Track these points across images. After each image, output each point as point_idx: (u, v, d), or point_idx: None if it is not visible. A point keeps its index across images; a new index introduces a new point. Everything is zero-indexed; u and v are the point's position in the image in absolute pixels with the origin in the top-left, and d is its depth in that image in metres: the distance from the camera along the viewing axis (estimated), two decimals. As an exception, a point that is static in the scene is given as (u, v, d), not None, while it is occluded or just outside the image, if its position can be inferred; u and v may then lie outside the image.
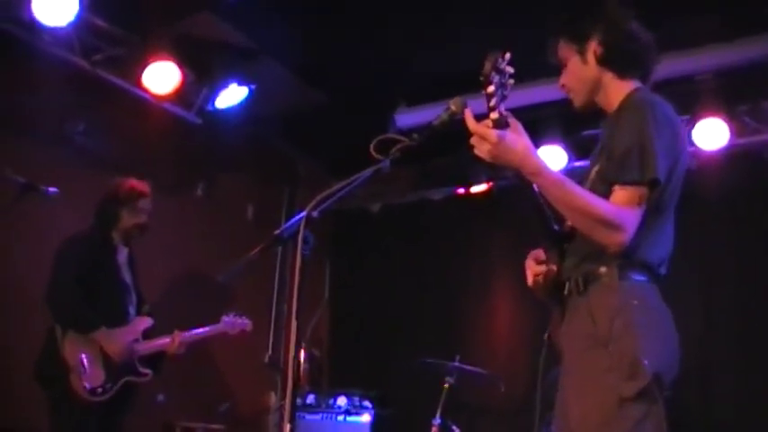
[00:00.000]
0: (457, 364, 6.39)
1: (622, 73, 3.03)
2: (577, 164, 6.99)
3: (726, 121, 6.59)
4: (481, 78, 2.64)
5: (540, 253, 3.09)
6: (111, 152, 6.59)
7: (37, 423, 5.09)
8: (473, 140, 2.73)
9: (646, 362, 2.64)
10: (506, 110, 2.71)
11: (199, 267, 6.38)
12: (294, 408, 2.67)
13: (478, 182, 7.93)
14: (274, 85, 7.01)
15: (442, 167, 8.07)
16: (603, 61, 3.01)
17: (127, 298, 5.37)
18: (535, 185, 2.77)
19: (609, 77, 3.02)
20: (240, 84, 6.75)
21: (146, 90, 6.38)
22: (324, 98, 7.28)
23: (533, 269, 3.08)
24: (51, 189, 4.68)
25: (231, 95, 6.81)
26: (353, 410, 7.05)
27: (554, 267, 2.99)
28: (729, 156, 6.78)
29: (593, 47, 3.01)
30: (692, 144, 6.73)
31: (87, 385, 4.90)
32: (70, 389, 4.88)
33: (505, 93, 2.67)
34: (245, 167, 8.01)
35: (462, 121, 2.75)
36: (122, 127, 6.60)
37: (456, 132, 2.79)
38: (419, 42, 6.32)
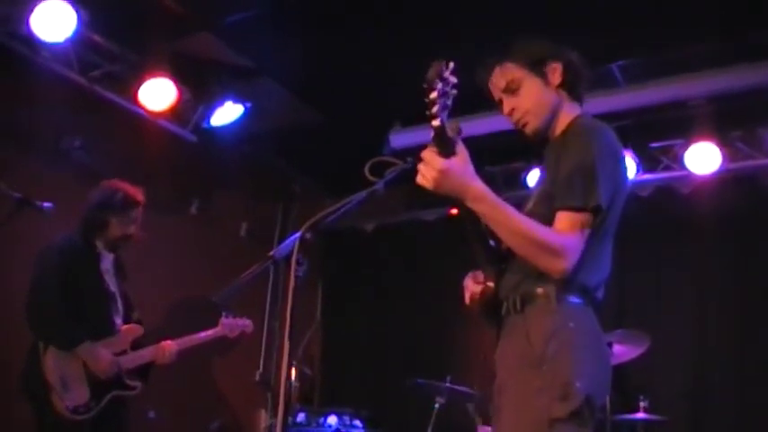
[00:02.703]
0: (448, 384, 6.40)
1: (573, 97, 3.03)
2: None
3: (718, 146, 6.63)
4: (424, 85, 2.59)
5: (479, 274, 3.05)
6: (106, 168, 6.58)
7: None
8: (420, 167, 2.69)
9: (578, 384, 2.62)
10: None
11: (192, 284, 6.38)
12: (285, 426, 2.68)
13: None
14: (270, 104, 7.04)
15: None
16: (565, 85, 2.99)
17: (112, 307, 5.10)
18: (478, 211, 2.74)
19: (564, 101, 3.00)
20: (236, 102, 6.77)
21: (142, 107, 6.40)
22: (319, 117, 7.31)
23: (471, 288, 3.06)
24: (46, 204, 4.63)
25: (227, 113, 6.83)
26: (344, 429, 7.03)
27: (491, 285, 2.98)
28: (722, 180, 6.82)
29: (557, 70, 2.98)
30: (685, 168, 6.78)
31: (69, 404, 4.69)
32: (53, 407, 4.68)
33: (448, 102, 2.59)
34: (239, 185, 8.02)
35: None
36: (118, 143, 6.62)
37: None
38: (416, 63, 6.34)
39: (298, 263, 2.62)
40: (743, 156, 6.80)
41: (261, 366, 7.92)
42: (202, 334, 5.46)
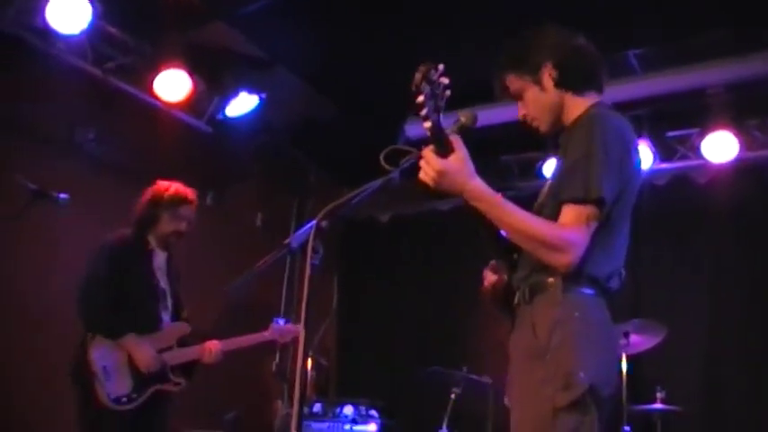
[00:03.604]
0: (464, 373, 6.40)
1: (580, 90, 3.03)
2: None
3: (735, 135, 6.59)
4: (413, 88, 2.66)
5: (497, 265, 3.12)
6: (121, 159, 6.62)
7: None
8: (421, 164, 2.78)
9: (581, 374, 2.64)
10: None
11: (207, 275, 6.38)
12: (301, 416, 2.68)
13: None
14: (285, 95, 7.04)
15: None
16: (561, 84, 3.01)
17: (159, 304, 5.16)
18: (480, 209, 2.79)
19: (568, 97, 3.02)
20: (250, 92, 6.76)
21: (157, 98, 6.41)
22: (334, 107, 7.31)
23: (489, 278, 3.13)
24: (62, 195, 4.65)
25: (242, 104, 6.83)
26: (360, 420, 7.04)
27: (504, 277, 3.04)
28: (739, 169, 6.78)
29: (548, 72, 3.01)
30: (701, 157, 6.74)
31: (111, 394, 4.75)
32: (95, 396, 4.74)
33: (440, 103, 2.65)
34: (254, 176, 8.02)
35: (469, 131, 2.80)
36: (133, 134, 6.63)
37: (466, 143, 2.80)
38: (430, 53, 6.33)
39: (313, 251, 2.62)
40: (760, 144, 6.76)
41: (277, 357, 7.92)
42: (250, 337, 5.48)
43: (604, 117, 2.87)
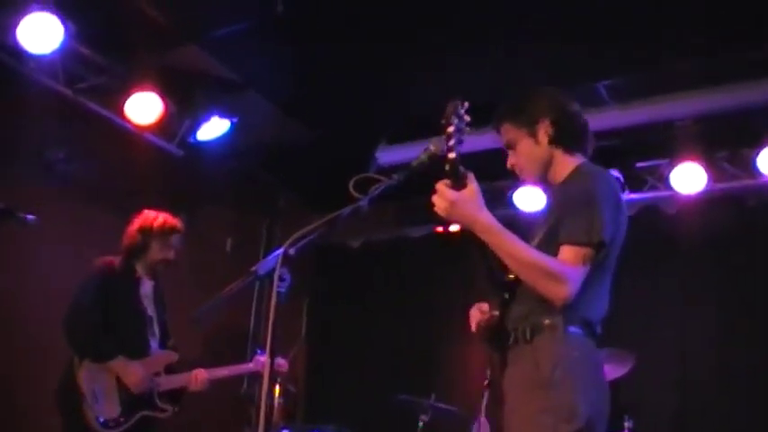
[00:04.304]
0: (432, 402, 6.38)
1: (570, 150, 3.26)
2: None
3: (704, 167, 6.64)
4: (443, 121, 2.90)
5: (483, 305, 3.29)
6: (91, 180, 6.57)
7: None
8: (434, 198, 2.96)
9: (581, 408, 2.84)
10: None
11: (176, 299, 6.33)
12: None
13: (458, 220, 7.95)
14: (257, 119, 7.03)
15: (421, 205, 8.06)
16: (555, 140, 3.24)
17: (147, 329, 5.24)
18: (487, 241, 2.95)
19: (559, 154, 3.25)
20: (222, 116, 6.75)
21: (128, 120, 6.37)
22: (306, 132, 7.30)
23: (477, 317, 3.28)
24: (30, 216, 4.60)
25: (213, 128, 6.80)
26: (327, 446, 7.00)
27: (496, 314, 3.20)
28: (708, 201, 6.83)
29: (545, 128, 3.23)
30: (671, 188, 6.79)
31: (100, 418, 4.79)
32: (83, 418, 4.77)
33: (462, 138, 2.91)
34: (225, 200, 7.99)
35: (441, 161, 2.93)
36: (104, 156, 6.59)
37: (436, 171, 2.84)
38: (402, 80, 6.36)
39: (280, 278, 2.62)
40: (729, 176, 6.82)
41: (245, 382, 7.87)
42: (235, 368, 5.58)
43: (600, 172, 3.15)
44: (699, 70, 6.02)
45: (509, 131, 3.31)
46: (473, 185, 2.95)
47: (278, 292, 2.61)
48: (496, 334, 3.17)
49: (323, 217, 2.85)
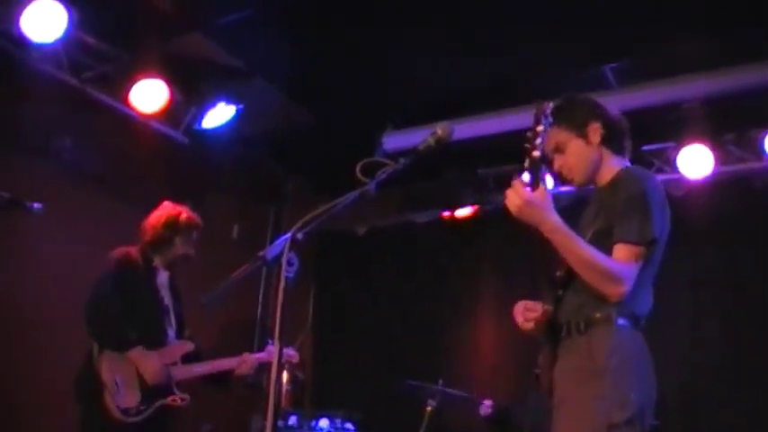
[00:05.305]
0: (440, 387, 6.39)
1: (618, 152, 3.46)
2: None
3: (711, 149, 6.61)
4: (534, 118, 3.09)
5: (530, 303, 3.38)
6: (97, 169, 6.57)
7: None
8: (508, 193, 3.10)
9: (633, 396, 3.00)
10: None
11: (183, 286, 6.34)
12: (275, 429, 2.66)
13: (464, 205, 7.96)
14: (263, 105, 7.01)
15: (428, 191, 8.09)
16: (606, 141, 3.42)
17: (165, 319, 5.25)
18: (552, 240, 3.10)
19: (608, 155, 3.43)
20: (228, 103, 6.74)
21: (133, 108, 6.36)
22: (312, 118, 7.29)
23: (526, 315, 3.36)
24: (36, 205, 4.60)
25: (219, 115, 6.80)
26: (335, 432, 7.01)
27: (549, 308, 3.32)
28: (715, 183, 6.81)
29: (596, 129, 3.40)
30: (677, 171, 6.77)
31: (120, 405, 4.79)
32: (103, 407, 4.78)
33: (545, 139, 3.11)
34: (231, 187, 7.99)
35: (446, 144, 3.01)
36: (109, 144, 6.59)
37: (443, 156, 2.84)
38: (408, 65, 6.35)
39: (288, 263, 2.62)
40: (735, 159, 6.79)
41: (253, 370, 7.88)
42: (256, 356, 5.53)
43: (647, 174, 3.37)
44: (705, 52, 5.99)
45: (559, 134, 3.42)
46: (545, 187, 3.10)
47: (286, 277, 2.61)
48: (549, 328, 3.31)
49: (330, 203, 2.84)
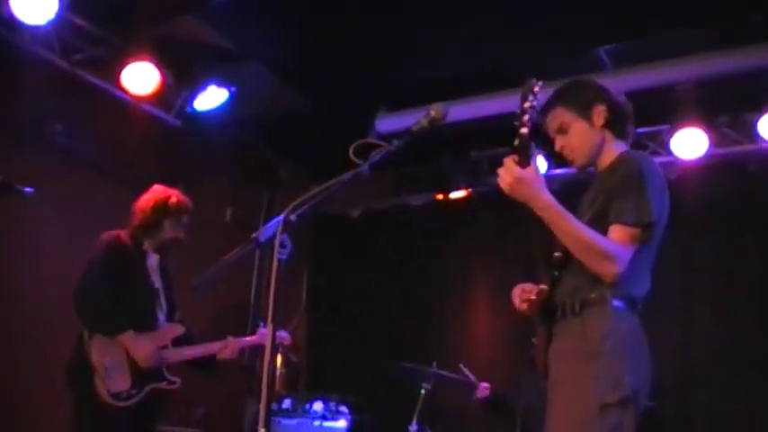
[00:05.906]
0: (434, 369, 6.39)
1: (621, 135, 3.45)
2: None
3: (705, 131, 6.62)
4: (522, 95, 3.06)
5: (526, 286, 3.40)
6: (89, 152, 6.54)
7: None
8: (500, 171, 3.09)
9: (627, 378, 3.01)
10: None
11: (176, 269, 6.34)
12: (269, 412, 2.66)
13: (458, 188, 7.95)
14: (256, 88, 6.99)
15: (422, 173, 8.09)
16: (609, 124, 3.40)
17: (155, 302, 5.21)
18: (544, 218, 3.09)
19: (610, 138, 3.42)
20: (220, 86, 6.72)
21: (125, 91, 6.34)
22: (305, 101, 7.26)
23: (523, 296, 3.38)
24: (27, 189, 4.58)
25: (211, 98, 6.78)
26: (330, 416, 7.03)
27: (545, 288, 3.32)
28: (709, 166, 6.81)
29: (600, 111, 3.39)
30: (671, 153, 6.77)
31: (111, 389, 4.76)
32: (94, 392, 4.74)
33: (534, 116, 3.06)
34: (224, 170, 7.96)
35: (440, 125, 3.00)
36: (101, 127, 6.55)
37: (436, 138, 2.82)
38: (401, 48, 6.32)
39: (281, 245, 2.60)
40: (730, 141, 6.80)
41: (246, 352, 7.88)
42: (241, 340, 5.50)
43: (646, 158, 3.38)
44: (700, 35, 5.98)
45: (563, 114, 3.42)
46: (536, 165, 3.08)
47: (279, 260, 2.60)
48: (544, 308, 3.31)
49: (322, 185, 2.83)
